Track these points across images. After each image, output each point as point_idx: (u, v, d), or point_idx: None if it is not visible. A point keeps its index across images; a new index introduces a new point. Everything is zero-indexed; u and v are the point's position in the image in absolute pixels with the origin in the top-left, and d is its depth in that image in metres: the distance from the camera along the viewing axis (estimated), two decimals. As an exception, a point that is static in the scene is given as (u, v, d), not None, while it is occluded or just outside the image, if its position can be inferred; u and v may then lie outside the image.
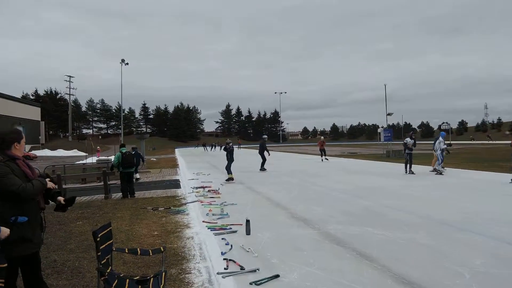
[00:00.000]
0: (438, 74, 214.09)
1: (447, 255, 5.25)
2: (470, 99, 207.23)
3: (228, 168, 14.91)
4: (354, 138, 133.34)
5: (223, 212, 8.34)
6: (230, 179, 14.35)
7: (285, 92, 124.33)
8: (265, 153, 19.18)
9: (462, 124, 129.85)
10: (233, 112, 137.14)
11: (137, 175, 16.42)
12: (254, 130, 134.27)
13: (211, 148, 61.24)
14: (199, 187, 12.84)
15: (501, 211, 7.95)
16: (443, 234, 6.31)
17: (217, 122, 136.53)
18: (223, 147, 15.35)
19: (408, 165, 16.26)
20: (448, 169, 17.24)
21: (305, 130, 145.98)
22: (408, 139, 17.18)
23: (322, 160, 25.45)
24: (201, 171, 19.74)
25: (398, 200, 9.50)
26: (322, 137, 27.66)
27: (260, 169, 19.11)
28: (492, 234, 6.25)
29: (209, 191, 11.88)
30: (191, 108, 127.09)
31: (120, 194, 11.67)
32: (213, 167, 22.58)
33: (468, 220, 7.21)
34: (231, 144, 15.85)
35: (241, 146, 60.93)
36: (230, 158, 15.22)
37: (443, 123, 65.32)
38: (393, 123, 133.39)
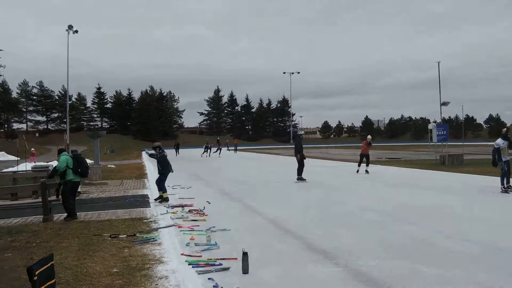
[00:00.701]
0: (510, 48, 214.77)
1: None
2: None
3: (159, 184, 14.45)
4: (395, 137, 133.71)
5: (210, 242, 8.32)
6: (163, 199, 14.00)
7: (298, 73, 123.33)
8: (298, 155, 19.60)
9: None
10: (225, 100, 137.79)
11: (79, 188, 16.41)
12: (254, 125, 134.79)
13: (207, 151, 61.64)
14: (176, 206, 12.86)
15: None
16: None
17: (201, 113, 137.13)
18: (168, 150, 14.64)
19: (505, 179, 15.20)
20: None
21: (325, 126, 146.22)
22: (500, 141, 15.70)
23: (358, 171, 23.41)
24: (179, 182, 19.78)
25: (461, 227, 9.51)
26: (370, 137, 24.44)
27: (298, 179, 19.33)
28: None
29: (190, 211, 11.89)
30: (165, 95, 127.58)
31: (64, 215, 11.67)
32: (196, 178, 22.60)
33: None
34: (159, 148, 14.85)
35: (237, 148, 60.55)
36: (162, 169, 14.66)
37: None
38: (449, 117, 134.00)
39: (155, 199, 14.18)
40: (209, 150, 48.56)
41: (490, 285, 5.84)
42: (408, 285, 5.90)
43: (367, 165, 23.48)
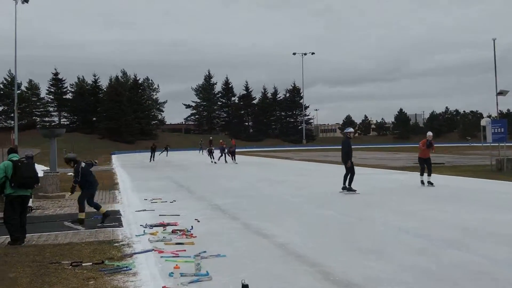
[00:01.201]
0: None
1: None
2: None
3: (81, 202, 14.07)
4: (438, 137, 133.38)
5: (200, 271, 8.30)
6: (79, 222, 13.67)
7: (312, 53, 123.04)
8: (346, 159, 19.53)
9: None
10: (218, 88, 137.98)
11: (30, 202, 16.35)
12: (255, 121, 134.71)
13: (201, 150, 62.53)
14: (156, 225, 12.84)
15: None
16: None
17: (188, 106, 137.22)
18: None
19: None
20: None
21: (348, 122, 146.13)
22: None
23: (423, 182, 21.75)
24: (159, 195, 19.80)
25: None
26: (430, 134, 22.65)
27: (343, 188, 19.44)
28: None
29: (174, 231, 11.88)
30: (141, 82, 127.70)
31: (7, 238, 11.61)
32: (181, 188, 22.65)
33: None
34: (73, 162, 14.43)
35: (235, 149, 59.49)
36: (85, 183, 14.27)
37: None
38: (508, 110, 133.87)
39: (74, 222, 13.79)
40: (212, 154, 48.29)
41: None
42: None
43: (429, 175, 21.76)
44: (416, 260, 8.86)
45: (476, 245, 9.92)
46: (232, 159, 44.63)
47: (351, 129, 21.01)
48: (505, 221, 12.67)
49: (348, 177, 19.55)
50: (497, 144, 32.73)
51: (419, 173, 22.13)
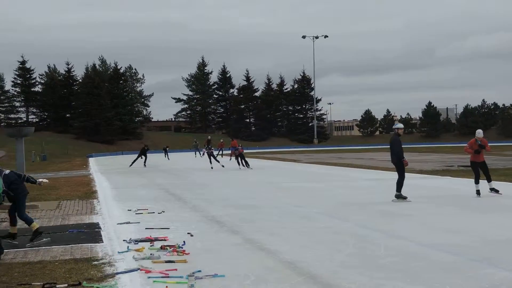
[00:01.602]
0: None
1: None
2: None
3: (10, 214, 13.91)
4: (473, 134, 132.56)
5: (194, 294, 8.34)
6: (9, 236, 13.62)
7: (325, 37, 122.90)
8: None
9: None
10: (213, 79, 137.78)
11: None
12: (258, 117, 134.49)
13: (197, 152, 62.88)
14: (142, 240, 12.86)
15: None
16: None
17: (178, 100, 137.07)
18: None
19: None
20: None
21: (367, 117, 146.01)
22: None
23: (479, 192, 20.56)
24: (146, 204, 19.85)
25: None
26: (481, 131, 21.65)
27: (397, 196, 19.38)
28: None
29: (163, 247, 11.91)
30: (122, 71, 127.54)
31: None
32: (171, 197, 22.70)
33: None
34: None
35: (238, 149, 58.26)
36: (17, 194, 13.87)
37: None
38: None
39: (8, 239, 13.57)
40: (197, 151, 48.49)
41: None
42: None
43: (489, 180, 21.03)
44: (451, 278, 8.88)
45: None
46: (243, 163, 42.32)
47: (401, 125, 20.70)
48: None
49: (397, 180, 19.59)
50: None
51: (474, 181, 20.91)
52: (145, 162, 50.69)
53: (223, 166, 43.45)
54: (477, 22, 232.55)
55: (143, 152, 52.62)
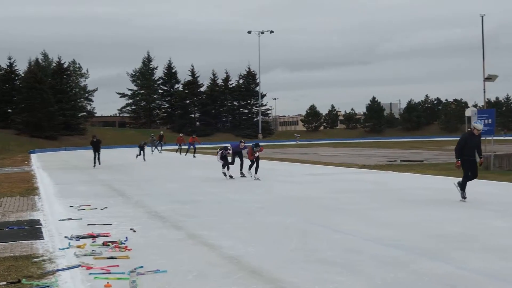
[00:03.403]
0: None
1: None
2: None
3: None
4: (416, 129, 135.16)
5: (135, 290, 8.30)
6: None
7: (271, 32, 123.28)
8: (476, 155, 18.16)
9: None
10: (158, 74, 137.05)
11: None
12: (203, 113, 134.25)
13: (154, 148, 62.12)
14: (83, 237, 12.74)
15: None
16: None
17: (123, 95, 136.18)
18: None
19: None
20: None
21: (312, 112, 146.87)
22: None
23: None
24: (88, 201, 19.69)
25: (505, 260, 9.76)
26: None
27: (459, 193, 17.94)
28: None
29: (105, 243, 11.82)
30: (66, 66, 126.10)
31: None
32: (114, 193, 22.60)
33: None
34: None
35: (195, 147, 56.84)
36: None
37: None
38: (497, 98, 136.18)
39: None
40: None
41: None
42: None
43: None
44: (391, 271, 9.04)
45: (460, 255, 10.15)
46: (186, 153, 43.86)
47: (477, 125, 18.22)
48: (496, 228, 13.03)
49: (462, 180, 18.02)
50: (484, 138, 33.34)
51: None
52: (98, 158, 41.17)
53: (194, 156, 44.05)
54: (420, 18, 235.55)
55: (95, 146, 42.25)
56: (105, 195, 21.61)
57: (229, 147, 28.03)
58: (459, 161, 17.97)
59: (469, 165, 17.87)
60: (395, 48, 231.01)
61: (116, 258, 10.54)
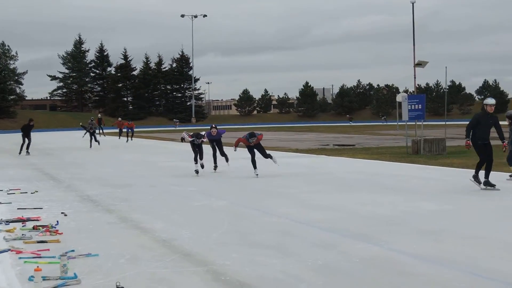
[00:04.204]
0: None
1: None
2: None
3: None
4: (348, 114, 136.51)
5: (66, 274, 8.21)
6: None
7: (204, 16, 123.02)
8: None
9: None
10: (90, 56, 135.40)
11: None
12: (136, 96, 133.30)
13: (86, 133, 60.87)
14: (13, 221, 12.54)
15: None
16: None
17: (54, 78, 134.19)
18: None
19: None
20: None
21: (245, 97, 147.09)
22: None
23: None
24: (19, 185, 19.36)
25: (440, 244, 9.91)
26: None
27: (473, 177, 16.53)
28: None
29: (36, 227, 11.65)
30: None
31: None
32: (45, 177, 22.33)
33: None
34: None
35: (133, 132, 55.83)
36: None
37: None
38: (427, 84, 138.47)
39: None
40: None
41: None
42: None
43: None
44: (320, 253, 9.11)
45: (387, 236, 10.29)
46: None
47: (490, 100, 16.64)
48: (426, 211, 13.23)
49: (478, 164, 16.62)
50: (414, 123, 33.90)
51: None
52: (27, 146, 36.40)
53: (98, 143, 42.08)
54: (352, 5, 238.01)
55: (27, 131, 37.32)
56: (36, 179, 21.32)
57: (204, 134, 22.85)
58: (469, 141, 16.47)
59: (483, 149, 16.24)
60: (328, 34, 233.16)
61: (46, 242, 10.40)
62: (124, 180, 20.56)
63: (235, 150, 21.87)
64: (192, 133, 23.21)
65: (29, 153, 35.41)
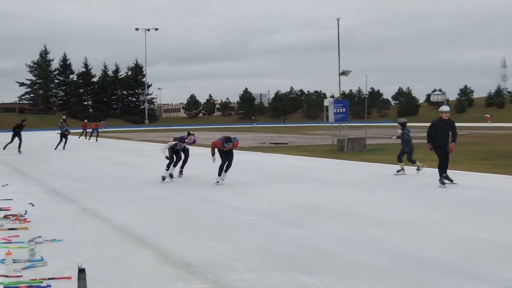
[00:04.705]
0: (431, 5, 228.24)
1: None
2: (482, 49, 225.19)
3: None
4: (282, 116, 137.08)
5: (34, 257, 8.15)
6: None
7: (155, 29, 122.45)
8: None
9: (465, 93, 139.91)
10: (55, 65, 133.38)
11: None
12: (95, 100, 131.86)
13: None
14: (-14, 211, 12.37)
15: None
16: (426, 282, 6.86)
17: (22, 84, 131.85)
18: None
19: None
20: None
21: (192, 101, 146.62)
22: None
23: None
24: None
25: (358, 227, 10.12)
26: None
27: (440, 180, 15.95)
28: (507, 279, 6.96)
29: (6, 216, 11.50)
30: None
31: None
32: (14, 171, 21.98)
33: (469, 258, 7.92)
34: None
35: (97, 131, 54.14)
36: None
37: (435, 91, 69.74)
38: (351, 90, 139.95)
39: None
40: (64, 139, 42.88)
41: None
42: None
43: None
44: (257, 239, 9.24)
45: (317, 223, 10.46)
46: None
47: (444, 108, 16.43)
48: (346, 199, 13.47)
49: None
50: (339, 124, 34.32)
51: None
52: (19, 145, 34.08)
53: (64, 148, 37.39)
54: (287, 21, 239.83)
55: (17, 131, 35.08)
56: (6, 174, 20.90)
57: (186, 139, 18.76)
58: (430, 145, 16.20)
59: (442, 151, 15.91)
60: (265, 46, 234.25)
61: (16, 229, 10.29)
62: (84, 174, 20.29)
63: (214, 161, 16.80)
64: (174, 138, 19.22)
65: (20, 152, 33.03)
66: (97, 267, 7.53)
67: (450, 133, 15.98)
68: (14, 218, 11.35)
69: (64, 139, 36.75)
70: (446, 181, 15.56)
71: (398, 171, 18.29)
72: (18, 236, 9.68)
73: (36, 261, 7.93)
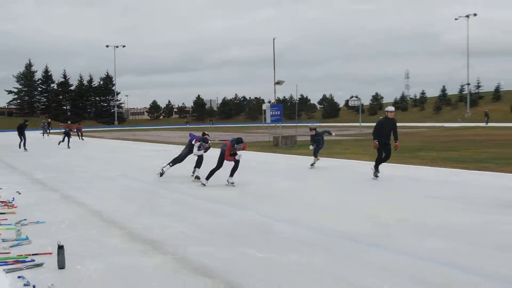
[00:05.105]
0: (346, 24, 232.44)
1: (352, 282, 5.81)
2: (389, 62, 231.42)
3: None
4: (229, 118, 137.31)
5: (20, 236, 7.99)
6: None
7: (123, 46, 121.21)
8: None
9: (377, 99, 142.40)
10: (38, 76, 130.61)
11: None
12: (73, 105, 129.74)
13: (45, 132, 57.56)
14: (-23, 198, 12.03)
15: (424, 220, 9.02)
16: (349, 253, 6.98)
17: (10, 92, 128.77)
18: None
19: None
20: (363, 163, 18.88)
21: (154, 106, 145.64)
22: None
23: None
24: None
25: (292, 208, 10.25)
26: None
27: (373, 173, 15.21)
28: (411, 250, 7.09)
29: (-5, 203, 11.25)
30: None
31: None
32: (4, 165, 21.49)
33: (381, 233, 8.07)
34: None
35: (80, 132, 50.96)
36: None
37: (352, 97, 70.88)
38: (284, 97, 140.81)
39: None
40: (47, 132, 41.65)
41: (324, 267, 6.35)
42: (236, 269, 6.26)
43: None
44: (209, 219, 9.27)
45: (257, 205, 10.53)
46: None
47: (389, 108, 15.49)
48: (281, 188, 13.54)
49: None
50: (274, 124, 34.57)
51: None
52: (24, 144, 31.81)
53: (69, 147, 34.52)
54: (233, 39, 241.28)
55: (20, 130, 33.19)
56: (-4, 167, 20.46)
57: (208, 137, 16.45)
58: (376, 142, 14.84)
59: (384, 148, 14.94)
60: (216, 60, 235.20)
61: (5, 213, 10.06)
62: (65, 167, 19.91)
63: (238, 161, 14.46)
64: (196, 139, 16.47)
65: (26, 149, 30.74)
66: (75, 244, 7.44)
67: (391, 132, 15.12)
68: (3, 204, 11.12)
69: (67, 137, 35.80)
70: (378, 174, 14.76)
71: (312, 164, 18.22)
72: (6, 219, 9.47)
73: (22, 240, 7.80)
